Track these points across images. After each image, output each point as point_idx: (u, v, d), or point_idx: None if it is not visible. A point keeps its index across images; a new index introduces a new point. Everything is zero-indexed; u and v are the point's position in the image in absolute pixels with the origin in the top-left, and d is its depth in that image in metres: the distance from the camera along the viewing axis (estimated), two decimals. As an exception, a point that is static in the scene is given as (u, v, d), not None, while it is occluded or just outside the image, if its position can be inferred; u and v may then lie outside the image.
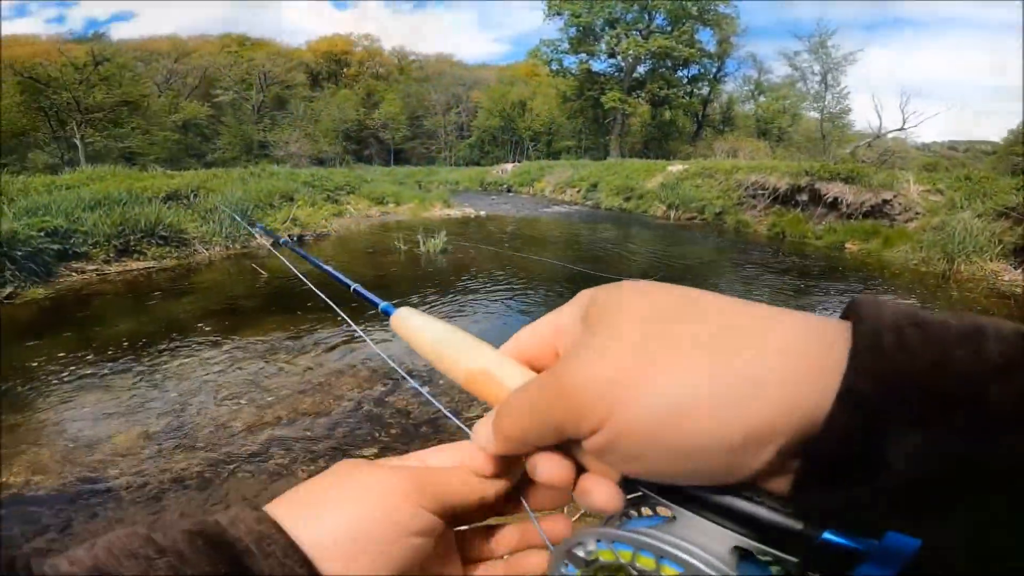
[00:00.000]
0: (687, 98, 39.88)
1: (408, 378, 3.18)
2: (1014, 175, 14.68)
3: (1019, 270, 8.01)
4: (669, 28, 37.14)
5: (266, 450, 3.13)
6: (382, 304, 0.51)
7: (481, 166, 38.41)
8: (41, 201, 8.89)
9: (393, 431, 3.34)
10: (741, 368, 0.22)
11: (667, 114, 40.67)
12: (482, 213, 13.60)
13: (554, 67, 40.64)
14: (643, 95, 38.52)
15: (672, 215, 14.24)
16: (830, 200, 11.66)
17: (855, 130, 36.59)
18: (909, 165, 26.47)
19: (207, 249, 8.97)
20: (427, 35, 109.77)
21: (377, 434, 3.31)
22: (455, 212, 13.46)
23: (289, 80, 47.82)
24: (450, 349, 0.37)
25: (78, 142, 30.13)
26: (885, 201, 10.82)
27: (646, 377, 0.23)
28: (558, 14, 38.51)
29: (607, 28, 38.03)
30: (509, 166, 29.41)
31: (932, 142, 46.64)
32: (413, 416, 3.50)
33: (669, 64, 38.33)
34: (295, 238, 9.85)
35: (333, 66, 60.24)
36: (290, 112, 44.91)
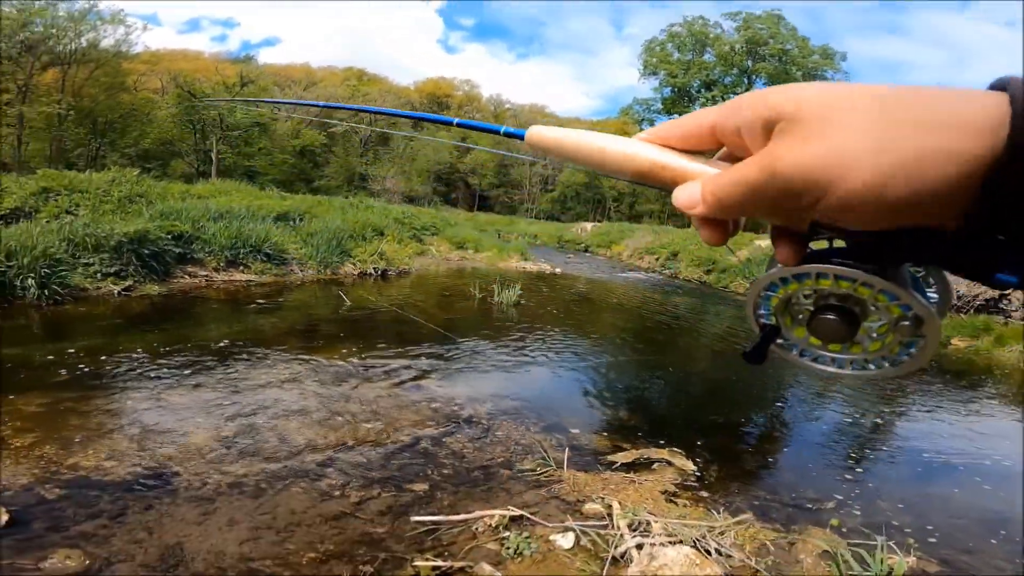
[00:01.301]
0: None
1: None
2: None
3: None
4: None
5: (322, 470, 3.27)
6: (503, 128, 0.53)
7: (561, 222, 39.04)
8: (175, 207, 10.20)
9: (446, 471, 3.41)
10: (940, 122, 0.27)
11: (764, 184, 39.93)
12: (557, 269, 13.80)
13: (645, 127, 40.21)
14: (736, 162, 38.19)
15: (755, 293, 13.64)
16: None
17: None
18: None
19: (302, 270, 9.83)
20: (524, 84, 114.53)
21: (429, 471, 3.40)
22: (531, 265, 13.73)
23: (395, 118, 51.69)
24: (612, 149, 0.41)
25: (213, 156, 33.90)
26: (1003, 295, 9.80)
27: (865, 149, 0.27)
28: (654, 73, 38.52)
29: (703, 91, 37.65)
30: (589, 225, 29.66)
31: None
32: (467, 460, 3.57)
33: None
34: (379, 271, 10.53)
35: (435, 107, 64.51)
36: (391, 149, 48.08)
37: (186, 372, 4.68)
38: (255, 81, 36.61)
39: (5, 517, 2.60)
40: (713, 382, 6.13)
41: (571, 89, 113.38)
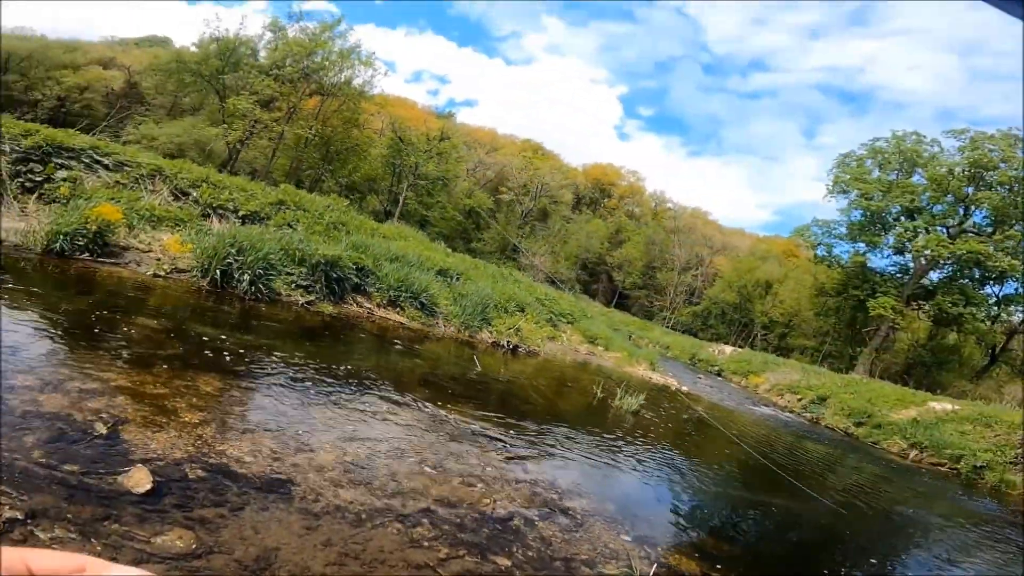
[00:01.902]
0: (988, 323, 31.32)
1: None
2: None
3: None
4: (990, 229, 29.83)
5: (419, 518, 3.44)
6: None
7: (698, 338, 36.88)
8: (365, 241, 11.83)
9: (530, 553, 3.47)
10: None
11: (952, 337, 33.02)
12: (684, 387, 13.30)
13: (821, 252, 35.76)
14: (927, 308, 31.72)
15: (912, 455, 11.81)
16: None
17: None
18: None
19: (445, 326, 10.71)
20: (692, 185, 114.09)
21: (515, 549, 3.47)
22: (658, 377, 13.44)
23: (558, 196, 54.39)
24: None
25: (400, 199, 38.48)
26: None
27: None
28: (844, 192, 33.97)
29: (903, 218, 32.27)
30: (728, 348, 27.86)
31: None
32: (553, 548, 3.61)
33: (976, 275, 30.63)
34: (511, 346, 11.07)
35: (597, 193, 66.67)
36: (547, 227, 50.23)
37: (331, 389, 5.29)
38: (451, 138, 41.16)
39: (148, 485, 2.79)
40: (821, 533, 5.49)
41: (744, 196, 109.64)
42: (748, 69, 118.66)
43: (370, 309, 10.10)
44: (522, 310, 12.63)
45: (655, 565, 3.67)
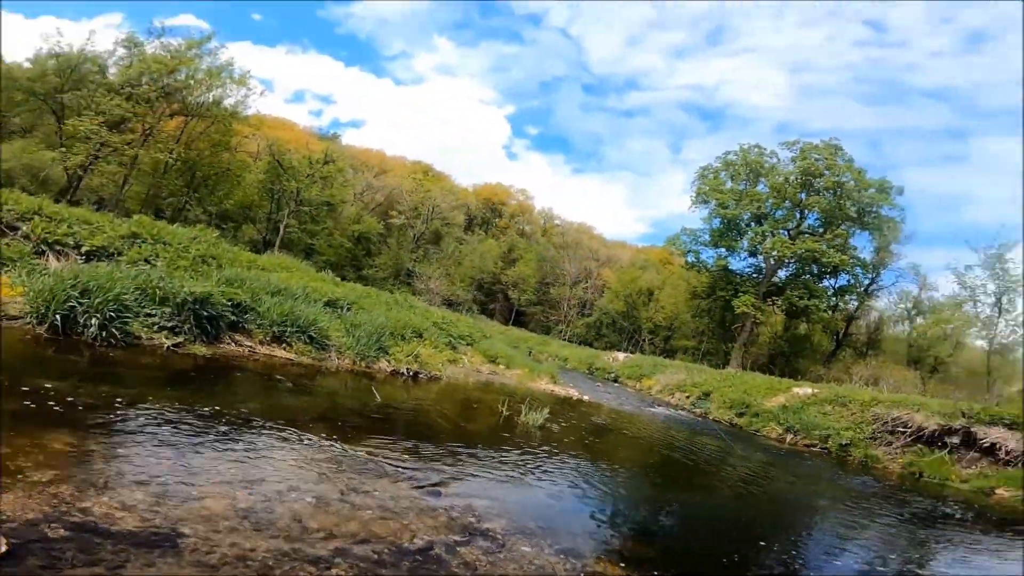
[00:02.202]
0: (829, 312, 35.75)
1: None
2: None
3: None
4: (821, 229, 34.34)
5: (333, 559, 3.20)
6: None
7: (593, 348, 38.50)
8: (240, 274, 10.78)
9: None
10: None
11: (803, 327, 37.75)
12: (585, 396, 13.75)
13: (690, 259, 39.42)
14: (780, 303, 35.95)
15: (788, 439, 13.14)
16: (987, 445, 10.56)
17: None
18: None
19: (339, 358, 10.05)
20: (577, 200, 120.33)
21: None
22: (560, 389, 13.68)
23: (450, 218, 54.42)
24: None
25: (282, 228, 35.79)
26: None
27: None
28: (705, 202, 37.41)
29: (753, 223, 36.17)
30: (621, 355, 29.45)
31: None
32: (477, 572, 3.49)
33: (815, 270, 35.24)
34: (411, 373, 10.67)
35: (488, 213, 67.87)
36: (440, 249, 49.69)
37: (212, 436, 4.75)
38: (336, 161, 39.38)
39: (3, 548, 2.57)
40: (726, 522, 5.81)
41: (623, 211, 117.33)
42: (624, 88, 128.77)
43: (251, 347, 9.20)
44: (420, 336, 12.25)
45: (582, 575, 3.66)
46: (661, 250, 55.50)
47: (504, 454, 6.50)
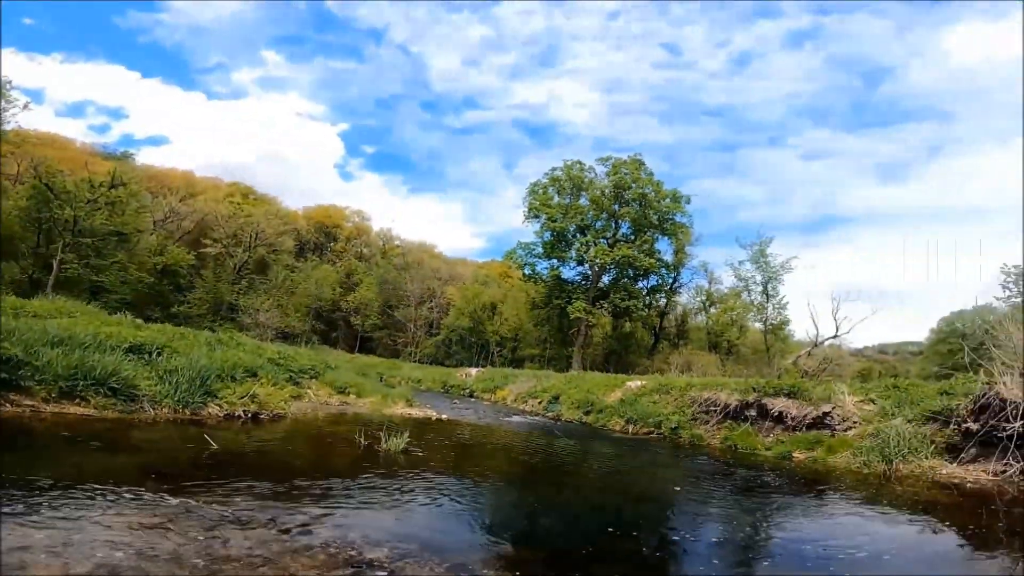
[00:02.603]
0: (646, 310, 40.64)
1: None
2: (938, 378, 16.13)
3: (955, 464, 8.72)
4: (632, 237, 38.57)
5: None
6: None
7: (445, 366, 38.65)
8: (6, 325, 8.58)
9: None
10: None
11: (627, 326, 41.93)
12: (443, 416, 13.59)
13: (527, 271, 41.72)
14: (606, 306, 39.49)
15: (630, 429, 14.44)
16: (776, 414, 12.38)
17: (796, 339, 37.46)
18: (845, 372, 28.13)
19: (155, 409, 8.51)
20: (414, 221, 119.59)
21: None
22: (417, 411, 13.36)
23: (278, 244, 49.65)
24: None
25: (55, 263, 29.13)
26: (825, 413, 11.59)
27: None
28: (536, 217, 39.82)
29: (578, 235, 39.38)
30: (474, 371, 30.01)
31: (864, 347, 49.15)
32: None
33: (631, 274, 39.35)
34: (249, 414, 9.48)
35: (322, 238, 63.83)
36: (268, 279, 45.07)
37: (17, 509, 3.86)
38: (127, 184, 33.61)
39: None
40: (599, 512, 6.16)
41: (462, 228, 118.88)
42: (462, 107, 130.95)
43: (33, 406, 7.39)
44: (254, 375, 10.90)
45: None
46: (500, 264, 57.39)
47: (371, 483, 6.10)
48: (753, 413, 12.94)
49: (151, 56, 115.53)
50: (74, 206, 29.67)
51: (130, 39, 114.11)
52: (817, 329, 29.97)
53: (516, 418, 16.59)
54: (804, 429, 11.68)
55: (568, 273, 41.13)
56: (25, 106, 25.90)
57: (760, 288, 37.24)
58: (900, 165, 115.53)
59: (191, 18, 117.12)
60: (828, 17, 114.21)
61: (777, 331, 37.82)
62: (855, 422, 11.11)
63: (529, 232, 42.22)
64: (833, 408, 11.61)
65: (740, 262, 38.15)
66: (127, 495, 4.46)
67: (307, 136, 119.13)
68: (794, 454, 10.94)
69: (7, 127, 25.62)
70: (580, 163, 41.18)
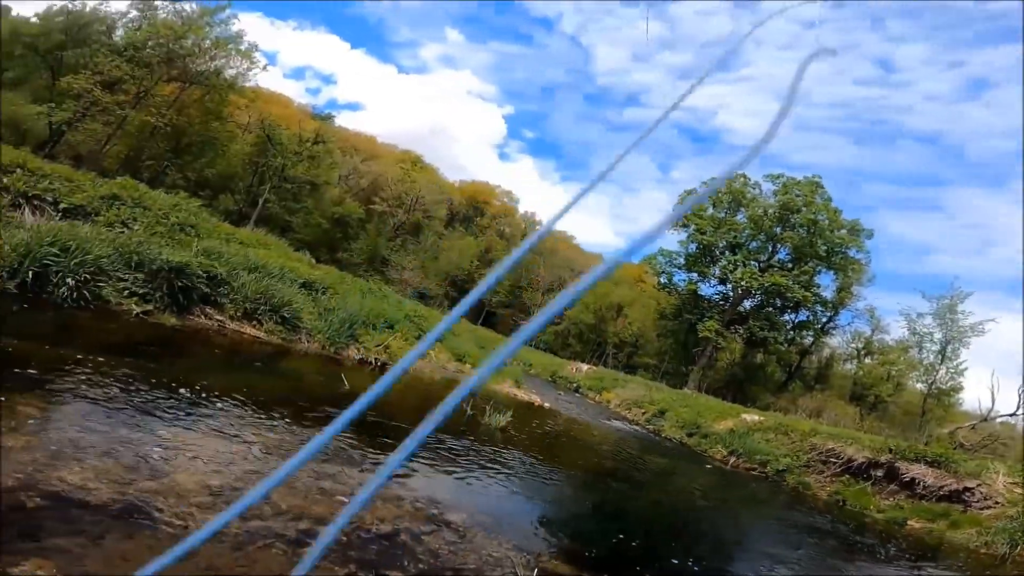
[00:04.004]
0: (786, 345, 36.84)
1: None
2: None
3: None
4: (790, 264, 35.25)
5: (304, 538, 3.31)
6: None
7: (559, 356, 38.81)
8: (219, 247, 10.75)
9: (421, 566, 3.54)
10: None
11: (760, 357, 38.56)
12: (546, 404, 14.07)
13: (663, 280, 40.14)
14: (742, 331, 36.68)
15: (731, 461, 13.78)
16: (907, 480, 11.16)
17: (963, 408, 31.00)
18: (1011, 453, 23.33)
19: (308, 341, 10.17)
20: (560, 206, 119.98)
21: (406, 563, 3.51)
22: (523, 394, 13.94)
23: (433, 211, 54.10)
24: None
25: (260, 201, 35.11)
26: (967, 488, 10.17)
27: None
28: (684, 226, 37.64)
29: (727, 252, 36.90)
30: (585, 366, 29.97)
31: None
32: (441, 560, 3.70)
33: (778, 303, 36.14)
34: (379, 363, 10.86)
35: (471, 211, 67.69)
36: (419, 242, 49.20)
37: (180, 411, 4.79)
38: (326, 142, 38.86)
39: None
40: (667, 530, 6.23)
41: (604, 223, 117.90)
42: (624, 103, 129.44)
43: (222, 322, 9.23)
44: (391, 327, 12.40)
45: (535, 570, 3.93)
46: (636, 267, 55.70)
47: (466, 453, 6.72)
48: (879, 474, 11.69)
49: (358, 28, 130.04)
50: (284, 156, 35.29)
51: (340, 11, 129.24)
52: (993, 402, 25.00)
53: (616, 423, 16.60)
54: (934, 500, 10.33)
55: (706, 289, 38.84)
56: (264, 67, 31.03)
57: (937, 347, 31.71)
58: None
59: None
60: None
61: (943, 396, 32.05)
62: (997, 503, 9.56)
63: (673, 240, 40.21)
64: (978, 485, 10.06)
65: (919, 314, 32.57)
66: (267, 417, 5.44)
67: (474, 114, 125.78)
68: (909, 521, 9.76)
69: (248, 84, 30.96)
70: (744, 176, 37.90)
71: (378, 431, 6.32)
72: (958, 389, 31.88)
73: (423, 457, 5.90)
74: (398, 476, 5.05)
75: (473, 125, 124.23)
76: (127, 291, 8.20)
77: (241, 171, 37.01)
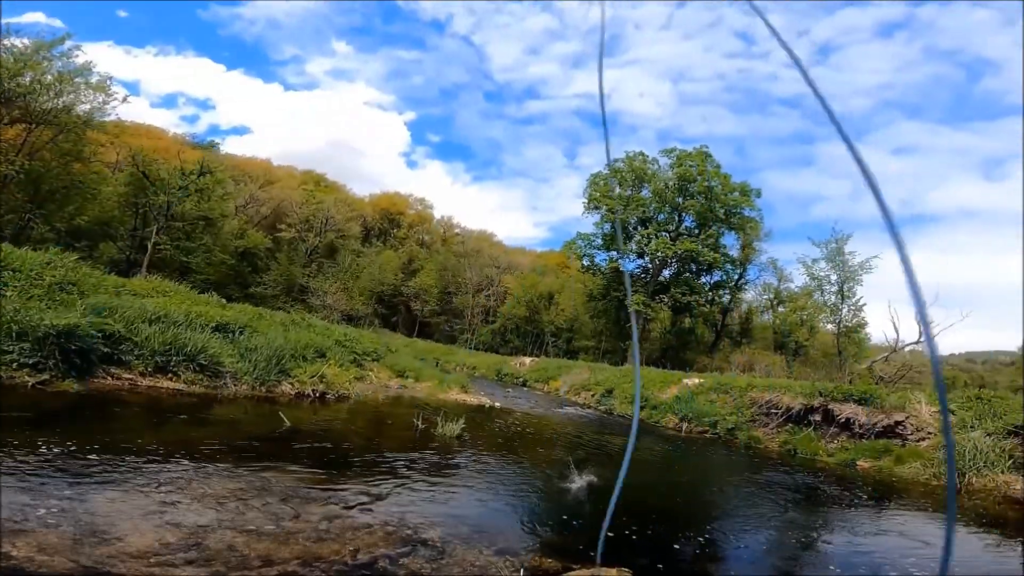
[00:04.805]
0: (708, 306, 39.10)
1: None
2: (1028, 391, 15.03)
3: (1031, 479, 8.11)
4: (696, 231, 37.44)
5: None
6: None
7: (500, 354, 38.80)
8: (109, 302, 9.66)
9: None
10: None
11: (687, 322, 40.63)
12: (497, 404, 13.97)
13: (586, 262, 41.19)
14: (666, 300, 38.47)
15: (684, 427, 14.28)
16: (843, 420, 11.85)
17: (872, 343, 34.13)
18: (926, 380, 26.04)
19: (235, 385, 9.37)
20: (475, 209, 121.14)
21: None
22: (471, 398, 13.79)
23: (346, 230, 52.12)
24: None
25: (149, 245, 31.92)
26: (897, 422, 11.01)
27: None
28: (596, 208, 39.06)
29: (639, 227, 38.52)
30: (528, 359, 30.23)
31: (950, 355, 45.35)
32: None
33: (693, 268, 38.26)
34: (317, 394, 10.23)
35: (386, 224, 66.07)
36: (336, 263, 47.16)
37: (113, 474, 4.45)
38: (213, 172, 36.03)
39: None
40: (647, 508, 6.22)
41: (522, 217, 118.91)
42: (523, 96, 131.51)
43: (132, 380, 8.34)
44: (323, 355, 11.72)
45: (521, 570, 3.84)
46: (559, 254, 56.91)
47: (427, 466, 6.51)
48: (817, 418, 12.49)
49: (233, 49, 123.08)
50: (167, 192, 32.35)
51: (212, 32, 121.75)
52: (897, 333, 27.74)
53: (569, 409, 16.77)
54: (872, 437, 11.19)
55: (627, 265, 40.22)
56: (124, 99, 28.16)
57: (835, 288, 34.94)
58: (999, 162, 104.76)
59: (268, 11, 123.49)
60: (923, 7, 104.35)
61: (851, 334, 35.31)
62: (929, 433, 10.56)
63: (589, 223, 41.35)
64: (907, 417, 11.05)
65: (814, 260, 35.76)
66: (209, 467, 5.04)
67: (375, 125, 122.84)
68: (858, 462, 10.54)
69: (107, 119, 27.85)
70: (643, 154, 40.13)
71: (337, 461, 5.90)
72: (863, 325, 35.17)
73: (383, 479, 5.60)
74: (361, 503, 4.76)
75: (375, 136, 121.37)
76: (15, 363, 7.24)
77: (120, 214, 33.61)
